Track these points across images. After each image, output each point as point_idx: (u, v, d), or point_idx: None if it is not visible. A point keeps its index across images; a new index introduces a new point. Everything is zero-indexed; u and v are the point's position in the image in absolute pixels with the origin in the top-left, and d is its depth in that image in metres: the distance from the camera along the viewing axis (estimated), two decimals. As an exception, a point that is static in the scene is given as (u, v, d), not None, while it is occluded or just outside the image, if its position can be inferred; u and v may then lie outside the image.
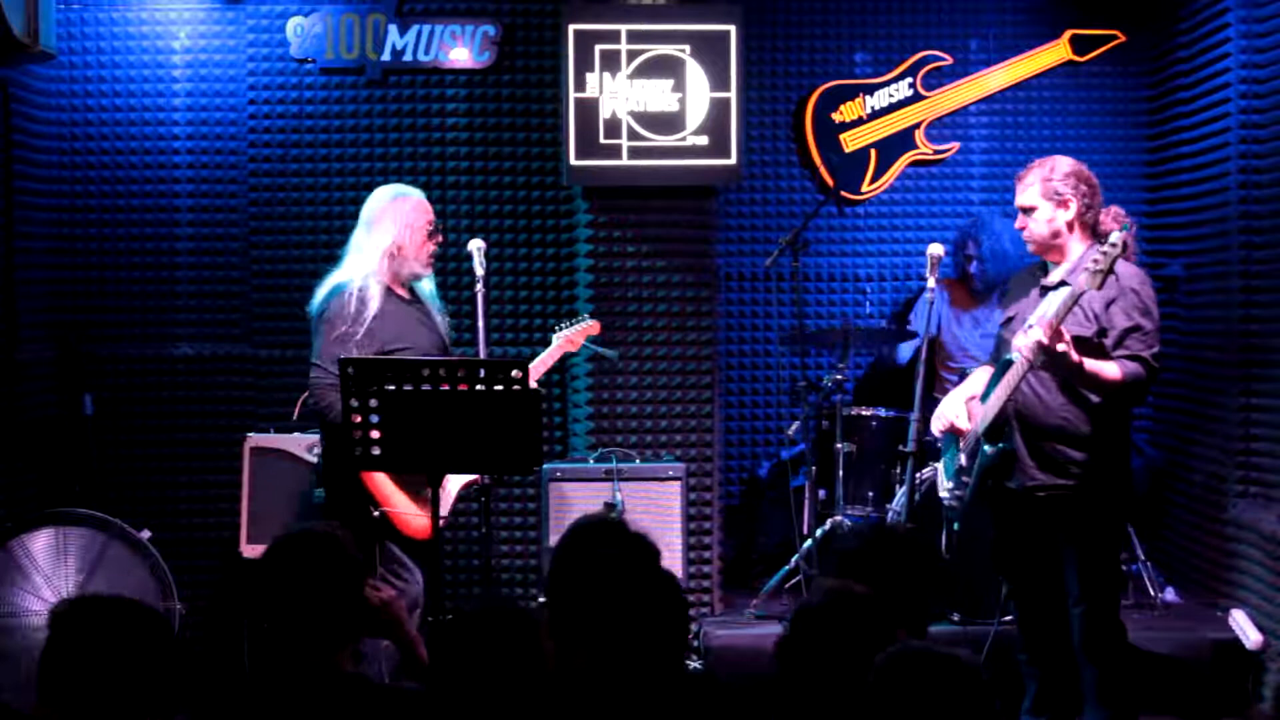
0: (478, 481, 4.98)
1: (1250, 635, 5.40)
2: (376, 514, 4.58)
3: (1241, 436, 5.69)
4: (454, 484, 4.93)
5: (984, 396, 4.55)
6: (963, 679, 2.37)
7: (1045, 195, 4.47)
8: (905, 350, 6.31)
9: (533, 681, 2.75)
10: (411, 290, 4.91)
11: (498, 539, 6.10)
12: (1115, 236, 4.18)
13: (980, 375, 4.70)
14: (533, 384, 5.16)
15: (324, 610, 2.96)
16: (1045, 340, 4.15)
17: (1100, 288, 4.15)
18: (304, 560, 2.99)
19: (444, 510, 4.76)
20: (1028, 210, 4.51)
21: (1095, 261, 4.12)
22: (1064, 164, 4.50)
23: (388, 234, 4.84)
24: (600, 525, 3.44)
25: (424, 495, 4.71)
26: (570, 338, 5.35)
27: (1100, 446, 4.38)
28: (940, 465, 4.79)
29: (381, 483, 4.70)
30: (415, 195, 4.97)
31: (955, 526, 4.55)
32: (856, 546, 3.39)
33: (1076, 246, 4.47)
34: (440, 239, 5.04)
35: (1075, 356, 4.19)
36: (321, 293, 4.87)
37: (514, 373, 4.16)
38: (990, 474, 4.50)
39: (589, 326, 5.40)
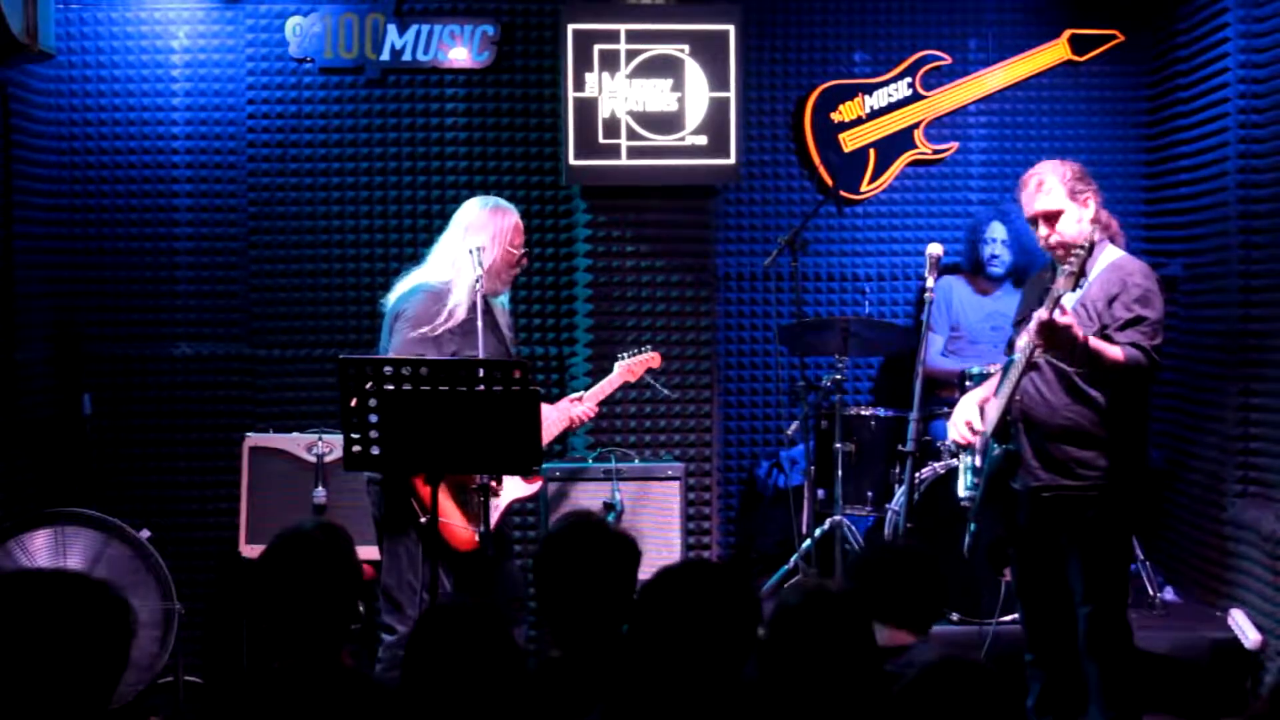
0: (527, 498, 5.05)
1: (1249, 635, 5.40)
2: (424, 520, 4.58)
3: (1240, 436, 5.69)
4: (504, 497, 4.94)
5: (996, 395, 4.55)
6: (997, 692, 2.37)
7: (1070, 196, 4.45)
8: (934, 349, 6.22)
9: (507, 678, 2.75)
10: (484, 298, 4.93)
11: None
12: (1085, 237, 4.20)
13: (994, 379, 4.71)
14: (592, 409, 5.19)
15: (324, 608, 2.97)
16: (1045, 316, 4.13)
17: (1075, 288, 4.16)
18: (303, 558, 3.00)
19: (492, 522, 4.80)
20: (1052, 215, 4.45)
21: (1069, 263, 4.14)
22: (1071, 165, 4.51)
23: (481, 244, 4.82)
24: (577, 528, 3.44)
25: (473, 508, 4.72)
26: (631, 367, 5.39)
27: (1109, 447, 4.37)
28: (961, 467, 4.78)
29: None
30: (515, 213, 4.99)
31: (972, 528, 4.54)
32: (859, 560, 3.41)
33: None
34: (526, 263, 5.07)
35: (1078, 332, 4.18)
36: (401, 289, 4.88)
37: (514, 373, 4.17)
38: (998, 474, 4.50)
39: (650, 358, 5.44)
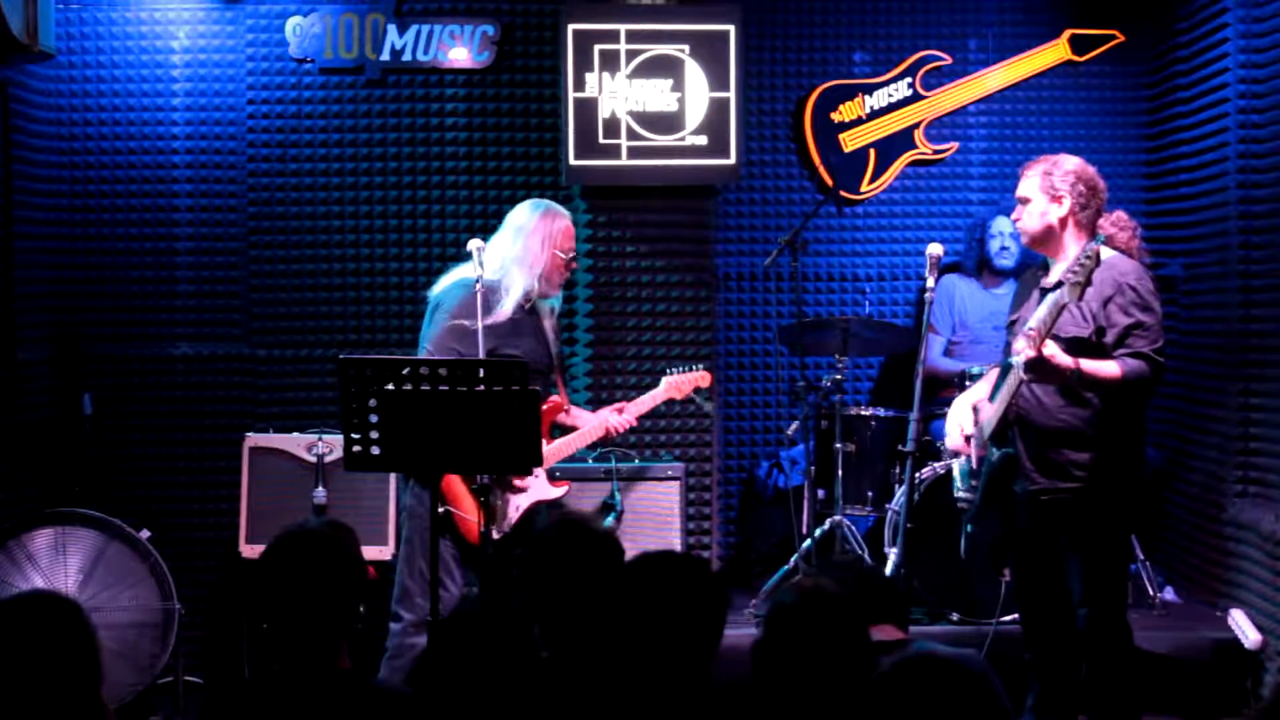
0: (548, 501, 5.02)
1: (1249, 635, 5.41)
2: (441, 510, 4.61)
3: (1240, 436, 5.69)
4: (527, 497, 4.95)
5: (991, 397, 4.55)
6: (971, 687, 2.35)
7: (1042, 189, 4.50)
8: (936, 349, 6.26)
9: (520, 680, 2.74)
10: (533, 300, 4.96)
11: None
12: (1091, 246, 4.17)
13: (988, 379, 4.71)
14: (631, 420, 5.16)
15: (323, 608, 2.96)
16: (1034, 353, 4.15)
17: (1080, 299, 4.14)
18: (303, 559, 2.99)
19: (509, 522, 4.85)
20: (1023, 201, 4.56)
21: (1074, 273, 4.12)
22: (1068, 162, 4.53)
23: (530, 247, 4.88)
24: (562, 529, 3.45)
25: (492, 505, 4.75)
26: (679, 384, 5.36)
27: (1105, 448, 4.36)
28: (955, 467, 4.78)
29: (452, 482, 4.77)
30: (567, 218, 5.03)
31: (969, 529, 4.55)
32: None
33: (1072, 245, 4.47)
34: (575, 267, 5.10)
35: (1067, 363, 4.18)
36: (447, 281, 4.95)
37: (513, 373, 4.17)
38: (997, 478, 4.50)
39: (699, 377, 5.40)
